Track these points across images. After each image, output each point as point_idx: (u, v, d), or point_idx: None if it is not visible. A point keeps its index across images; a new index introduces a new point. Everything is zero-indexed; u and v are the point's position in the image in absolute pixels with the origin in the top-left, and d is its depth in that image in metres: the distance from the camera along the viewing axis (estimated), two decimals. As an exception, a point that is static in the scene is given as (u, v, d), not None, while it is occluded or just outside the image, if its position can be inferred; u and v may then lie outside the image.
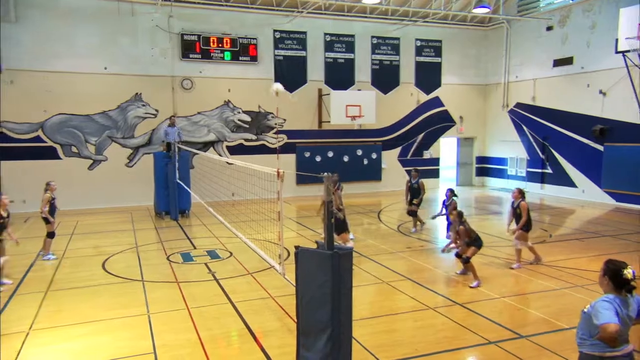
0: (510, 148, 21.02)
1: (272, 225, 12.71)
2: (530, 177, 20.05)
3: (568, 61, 18.22)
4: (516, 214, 9.26)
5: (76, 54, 16.09)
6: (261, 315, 6.97)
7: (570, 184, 18.37)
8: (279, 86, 9.47)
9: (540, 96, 19.50)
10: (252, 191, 9.08)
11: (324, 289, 4.05)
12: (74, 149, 16.43)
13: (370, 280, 8.56)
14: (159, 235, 12.46)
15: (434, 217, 11.91)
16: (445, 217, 11.32)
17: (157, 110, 17.25)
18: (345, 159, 20.03)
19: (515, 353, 5.69)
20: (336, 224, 9.18)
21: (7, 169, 14.94)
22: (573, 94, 18.03)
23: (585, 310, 3.64)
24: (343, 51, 19.54)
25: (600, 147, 17.07)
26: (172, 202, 14.39)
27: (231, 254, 10.36)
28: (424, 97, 21.18)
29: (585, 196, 17.67)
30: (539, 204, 17.37)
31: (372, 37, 19.95)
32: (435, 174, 21.54)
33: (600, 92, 16.98)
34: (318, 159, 19.59)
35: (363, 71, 19.95)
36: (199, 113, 17.91)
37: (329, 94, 18.83)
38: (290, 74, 18.64)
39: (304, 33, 18.84)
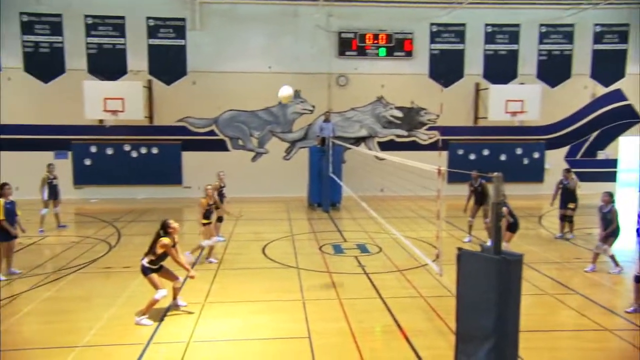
0: None
1: (425, 223, 12.57)
2: None
3: None
4: (606, 219, 8.58)
5: (246, 55, 17.72)
6: (411, 314, 6.83)
7: None
8: (289, 91, 9.05)
9: None
10: (407, 187, 8.94)
11: (488, 295, 3.77)
12: (240, 142, 18.13)
13: (529, 289, 7.81)
14: (311, 226, 13.05)
15: None
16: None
17: (313, 107, 18.12)
18: (503, 157, 18.77)
19: None
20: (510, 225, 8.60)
21: (189, 159, 17.66)
22: None
23: None
24: (506, 42, 18.17)
25: None
26: (324, 195, 15.02)
27: (380, 249, 10.38)
28: (600, 90, 18.73)
29: None
30: None
31: (541, 25, 18.17)
32: (611, 177, 18.92)
33: None
34: (472, 157, 18.64)
35: (528, 63, 18.29)
36: (352, 109, 18.34)
37: (487, 89, 17.78)
38: (446, 68, 17.97)
39: (463, 25, 17.95)
